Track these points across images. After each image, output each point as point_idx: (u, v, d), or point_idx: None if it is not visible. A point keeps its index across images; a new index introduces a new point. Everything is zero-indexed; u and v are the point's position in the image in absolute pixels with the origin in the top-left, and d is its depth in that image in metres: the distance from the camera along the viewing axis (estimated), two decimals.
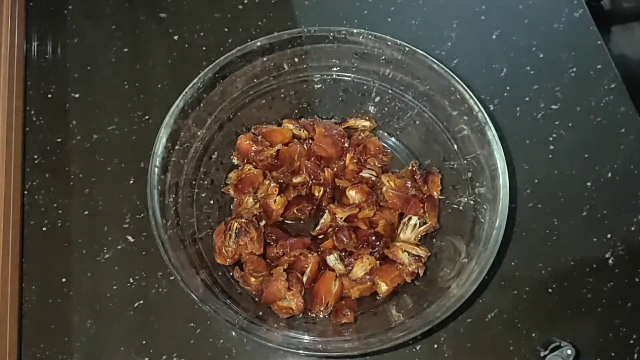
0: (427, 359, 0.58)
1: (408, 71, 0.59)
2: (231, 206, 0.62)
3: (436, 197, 0.60)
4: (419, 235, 0.59)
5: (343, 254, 0.58)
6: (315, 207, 0.60)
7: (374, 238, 0.57)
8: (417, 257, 0.56)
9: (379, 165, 0.62)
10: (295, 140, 0.63)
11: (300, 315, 0.56)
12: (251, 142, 0.62)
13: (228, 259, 0.57)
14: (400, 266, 0.56)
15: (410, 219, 0.59)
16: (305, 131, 0.63)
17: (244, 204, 0.59)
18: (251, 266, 0.56)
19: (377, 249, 0.57)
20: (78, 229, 0.63)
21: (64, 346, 0.58)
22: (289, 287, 0.54)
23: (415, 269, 0.56)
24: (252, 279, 0.56)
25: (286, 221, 0.61)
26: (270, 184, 0.59)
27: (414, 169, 0.61)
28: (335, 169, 0.62)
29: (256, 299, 0.57)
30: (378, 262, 0.57)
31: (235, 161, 0.63)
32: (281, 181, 0.61)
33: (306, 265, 0.57)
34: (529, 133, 0.68)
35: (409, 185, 0.59)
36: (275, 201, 0.58)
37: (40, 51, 0.72)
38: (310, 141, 0.63)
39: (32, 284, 0.61)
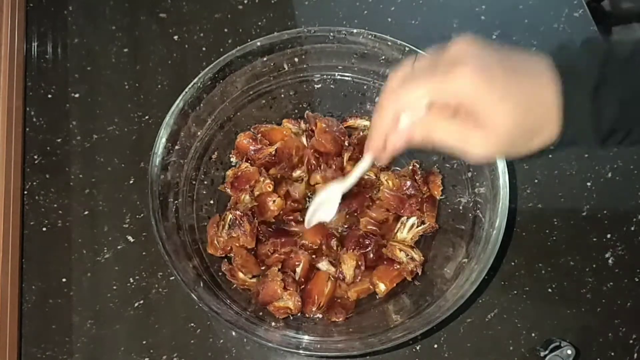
0: (427, 359, 0.58)
1: None
2: (229, 204, 0.61)
3: (437, 198, 0.60)
4: (417, 236, 0.59)
5: (334, 261, 0.58)
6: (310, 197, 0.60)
7: (366, 241, 0.57)
8: (411, 258, 0.57)
9: (379, 167, 0.62)
10: (293, 134, 0.63)
11: (299, 315, 0.56)
12: (250, 141, 0.62)
13: (219, 250, 0.57)
14: (398, 265, 0.56)
15: (408, 218, 0.59)
16: (304, 124, 0.63)
17: (240, 201, 0.59)
18: (239, 260, 0.56)
19: (369, 248, 0.57)
20: (78, 229, 0.63)
21: (64, 346, 0.58)
22: (285, 287, 0.54)
23: (414, 267, 0.56)
24: (240, 274, 0.56)
25: (284, 218, 0.61)
26: (265, 181, 0.59)
27: (415, 168, 0.61)
28: (334, 166, 0.61)
29: (252, 300, 0.56)
30: (363, 253, 0.57)
31: (234, 159, 0.63)
32: (278, 176, 0.61)
33: (297, 263, 0.57)
34: None
35: (409, 185, 0.59)
36: (274, 201, 0.58)
37: (40, 51, 0.73)
38: (311, 132, 0.63)
39: (32, 284, 0.61)
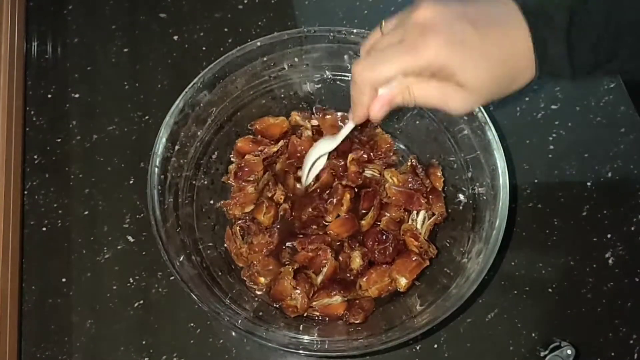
0: (427, 359, 0.58)
1: None
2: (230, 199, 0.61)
3: (439, 189, 0.60)
4: (429, 229, 0.59)
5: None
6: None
7: (383, 236, 0.58)
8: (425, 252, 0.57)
9: (383, 165, 0.62)
10: (305, 131, 0.63)
11: (305, 315, 0.56)
12: (251, 145, 0.62)
13: (249, 261, 0.58)
14: (416, 256, 0.56)
15: (418, 213, 0.59)
16: (311, 121, 0.63)
17: (244, 190, 0.59)
18: (258, 266, 0.57)
19: (387, 243, 0.57)
20: (78, 229, 0.63)
21: (64, 346, 0.58)
22: (295, 287, 0.55)
23: (431, 252, 0.56)
24: (261, 279, 0.57)
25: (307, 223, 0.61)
26: (278, 192, 0.60)
27: (414, 164, 0.61)
28: (342, 161, 0.61)
29: (256, 298, 0.57)
30: (383, 249, 0.57)
31: (234, 160, 0.63)
32: (286, 169, 0.62)
33: (325, 261, 0.56)
34: (529, 133, 0.68)
35: (411, 180, 0.59)
36: (264, 214, 0.59)
37: (40, 51, 0.72)
38: (318, 128, 0.63)
39: (32, 284, 0.61)
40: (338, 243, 0.59)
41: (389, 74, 0.40)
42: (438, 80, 0.40)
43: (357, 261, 0.57)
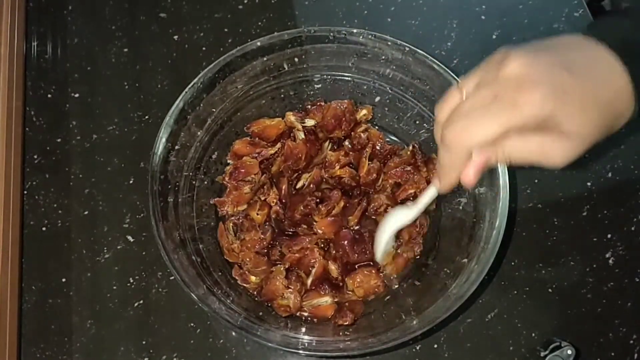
0: (427, 359, 0.58)
1: (408, 71, 0.59)
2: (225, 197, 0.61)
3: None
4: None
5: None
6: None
7: (357, 236, 0.58)
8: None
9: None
10: (298, 133, 0.63)
11: (300, 315, 0.56)
12: (248, 147, 0.62)
13: (239, 257, 0.58)
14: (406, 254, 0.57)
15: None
16: (305, 121, 0.63)
17: (241, 190, 0.59)
18: (250, 264, 0.57)
19: (364, 243, 0.57)
20: (78, 229, 0.63)
21: (64, 346, 0.58)
22: (287, 286, 0.54)
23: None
24: (252, 277, 0.56)
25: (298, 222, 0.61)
26: (271, 193, 0.60)
27: (415, 149, 0.61)
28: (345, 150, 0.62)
29: (256, 298, 0.57)
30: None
31: (230, 162, 0.63)
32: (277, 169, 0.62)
33: (313, 260, 0.56)
34: None
35: (408, 169, 0.60)
36: (258, 211, 0.59)
37: (40, 51, 0.72)
38: (312, 130, 0.63)
39: (32, 284, 0.61)
40: (326, 240, 0.58)
41: (490, 135, 0.38)
42: (537, 135, 0.38)
43: (333, 269, 0.57)
